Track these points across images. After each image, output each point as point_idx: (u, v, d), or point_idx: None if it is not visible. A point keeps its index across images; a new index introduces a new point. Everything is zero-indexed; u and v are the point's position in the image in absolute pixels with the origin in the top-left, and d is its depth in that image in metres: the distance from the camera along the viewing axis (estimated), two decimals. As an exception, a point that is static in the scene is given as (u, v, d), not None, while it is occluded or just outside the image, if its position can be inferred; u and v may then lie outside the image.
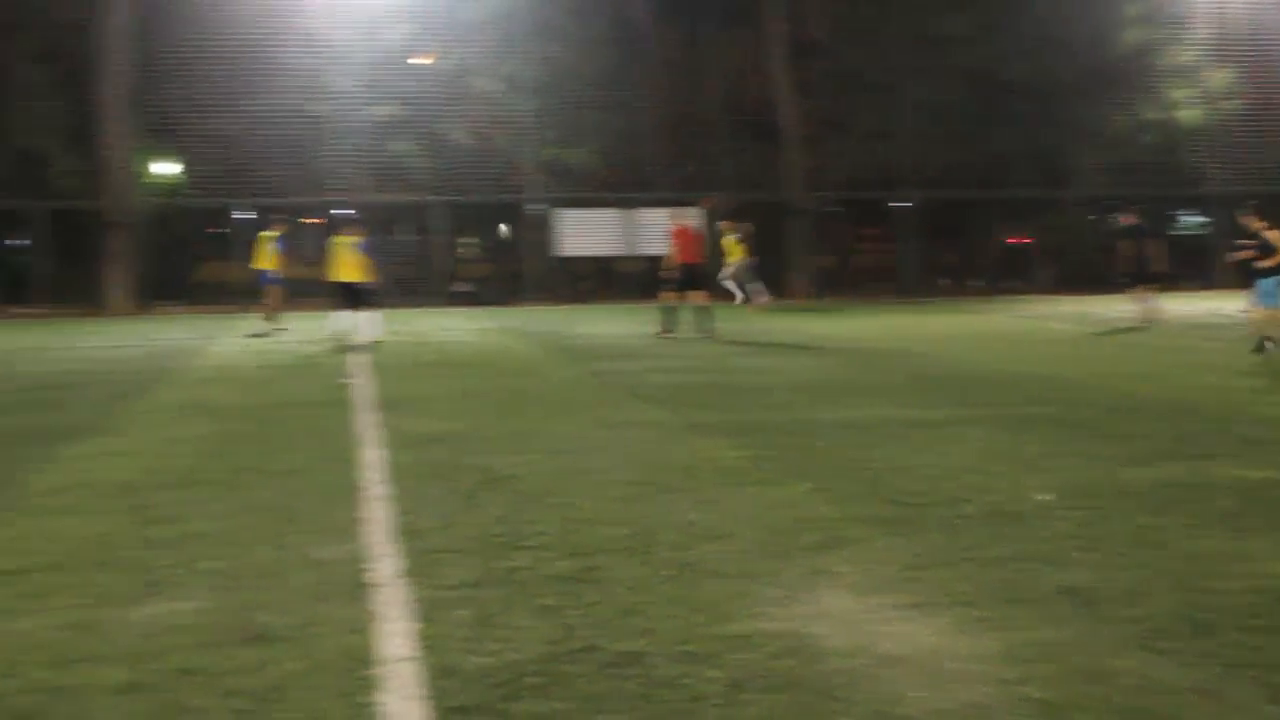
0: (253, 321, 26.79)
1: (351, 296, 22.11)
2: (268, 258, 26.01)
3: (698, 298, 23.02)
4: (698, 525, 7.54)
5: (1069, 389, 14.26)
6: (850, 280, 41.21)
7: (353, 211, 25.88)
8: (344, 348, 20.83)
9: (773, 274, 40.13)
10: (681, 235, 23.23)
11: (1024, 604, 5.89)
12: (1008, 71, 38.58)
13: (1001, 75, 38.59)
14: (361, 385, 15.70)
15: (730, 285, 30.44)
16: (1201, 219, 43.98)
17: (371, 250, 22.41)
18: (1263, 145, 39.99)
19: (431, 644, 5.41)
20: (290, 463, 10.03)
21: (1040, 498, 8.14)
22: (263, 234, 26.27)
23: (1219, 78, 39.99)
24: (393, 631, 5.60)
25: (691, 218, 23.74)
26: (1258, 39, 40.07)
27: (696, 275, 23.14)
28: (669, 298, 23.29)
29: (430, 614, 5.83)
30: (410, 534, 7.40)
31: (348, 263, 22.24)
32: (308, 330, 24.62)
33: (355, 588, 6.32)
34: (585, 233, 38.29)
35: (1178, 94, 39.84)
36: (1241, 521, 7.45)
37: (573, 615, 5.82)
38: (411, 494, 8.61)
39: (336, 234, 22.85)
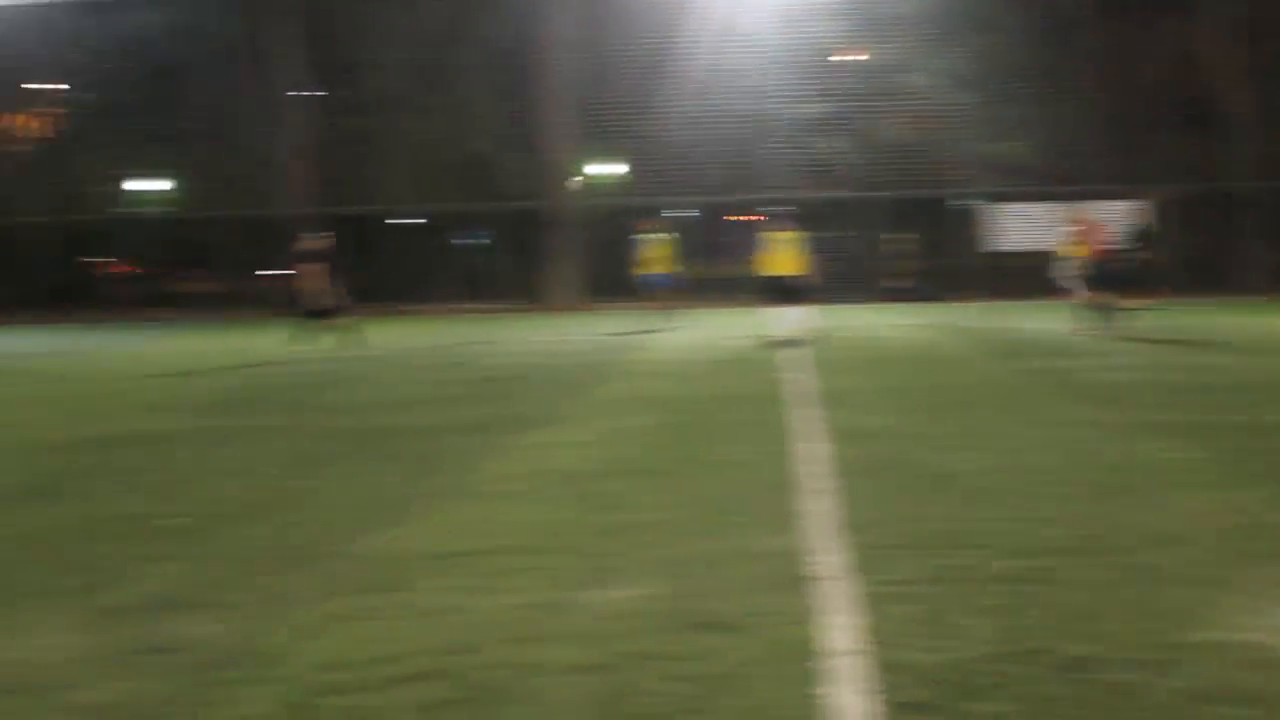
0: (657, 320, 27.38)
1: (786, 291, 22.13)
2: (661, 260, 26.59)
3: (1105, 296, 22.24)
4: (1148, 528, 7.26)
5: None
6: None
7: (788, 207, 25.97)
8: (780, 342, 21.00)
9: (1219, 267, 38.42)
10: (1087, 231, 22.49)
11: None
12: None
13: None
14: (798, 380, 15.82)
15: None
16: None
17: (811, 245, 22.46)
18: None
19: (880, 639, 5.38)
20: (729, 455, 10.19)
21: None
22: (654, 237, 26.72)
23: None
24: (837, 625, 5.61)
25: (1097, 212, 22.88)
26: None
27: (1104, 272, 22.38)
28: (1092, 296, 22.54)
29: (877, 608, 5.81)
30: (854, 528, 7.40)
31: (783, 257, 22.25)
32: (738, 325, 24.94)
33: (796, 580, 6.35)
34: (1018, 227, 37.51)
35: None
36: None
37: (1022, 616, 5.69)
38: (853, 488, 8.61)
39: (771, 230, 22.99)
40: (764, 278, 22.47)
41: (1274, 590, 6.02)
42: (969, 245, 38.16)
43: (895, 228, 42.70)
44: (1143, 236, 28.55)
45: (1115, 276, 22.72)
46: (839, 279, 39.32)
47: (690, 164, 37.34)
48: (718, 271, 42.97)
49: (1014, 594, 6.02)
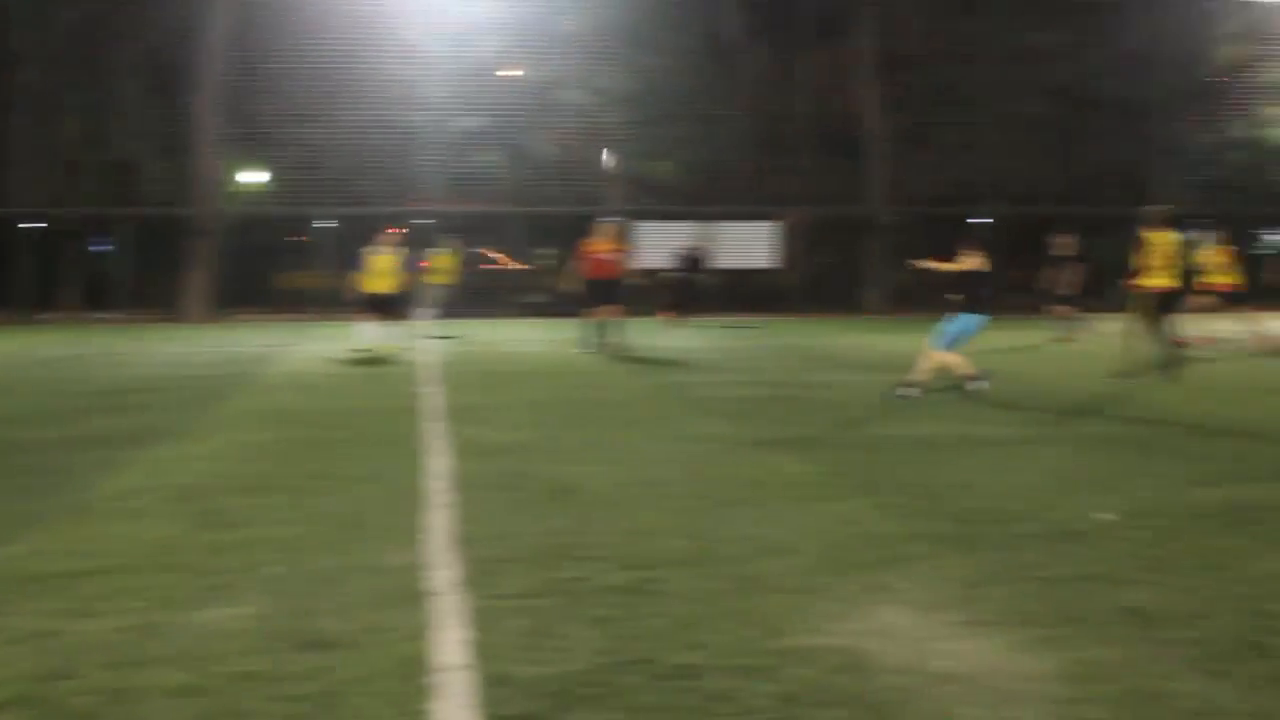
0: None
1: (384, 307, 22.19)
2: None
3: (609, 311, 22.80)
4: (758, 539, 7.52)
5: (1149, 409, 14.09)
6: (927, 297, 40.93)
7: (393, 225, 25.52)
8: (402, 357, 20.92)
9: (849, 288, 40.09)
10: (593, 251, 23.03)
11: (1083, 623, 5.84)
12: (1096, 88, 38.29)
13: (1089, 91, 38.32)
14: (430, 394, 15.78)
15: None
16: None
17: (408, 261, 22.36)
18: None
19: (485, 653, 5.43)
20: (356, 469, 10.10)
21: (1104, 517, 8.05)
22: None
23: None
24: (447, 640, 5.63)
25: (605, 234, 23.36)
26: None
27: (609, 289, 22.95)
28: (606, 311, 22.95)
29: (485, 623, 5.85)
30: (470, 542, 7.43)
31: (382, 273, 22.24)
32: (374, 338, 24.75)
33: (415, 595, 6.35)
34: (665, 246, 38.29)
35: (1269, 111, 39.36)
36: (1312, 545, 7.35)
37: (629, 627, 5.82)
38: (473, 503, 8.64)
39: (373, 249, 22.66)
40: (365, 295, 22.15)
41: (865, 596, 6.33)
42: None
43: (547, 244, 43.08)
44: (694, 260, 30.44)
45: (615, 293, 22.96)
46: (486, 293, 39.45)
47: (342, 174, 36.89)
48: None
49: (623, 606, 6.16)
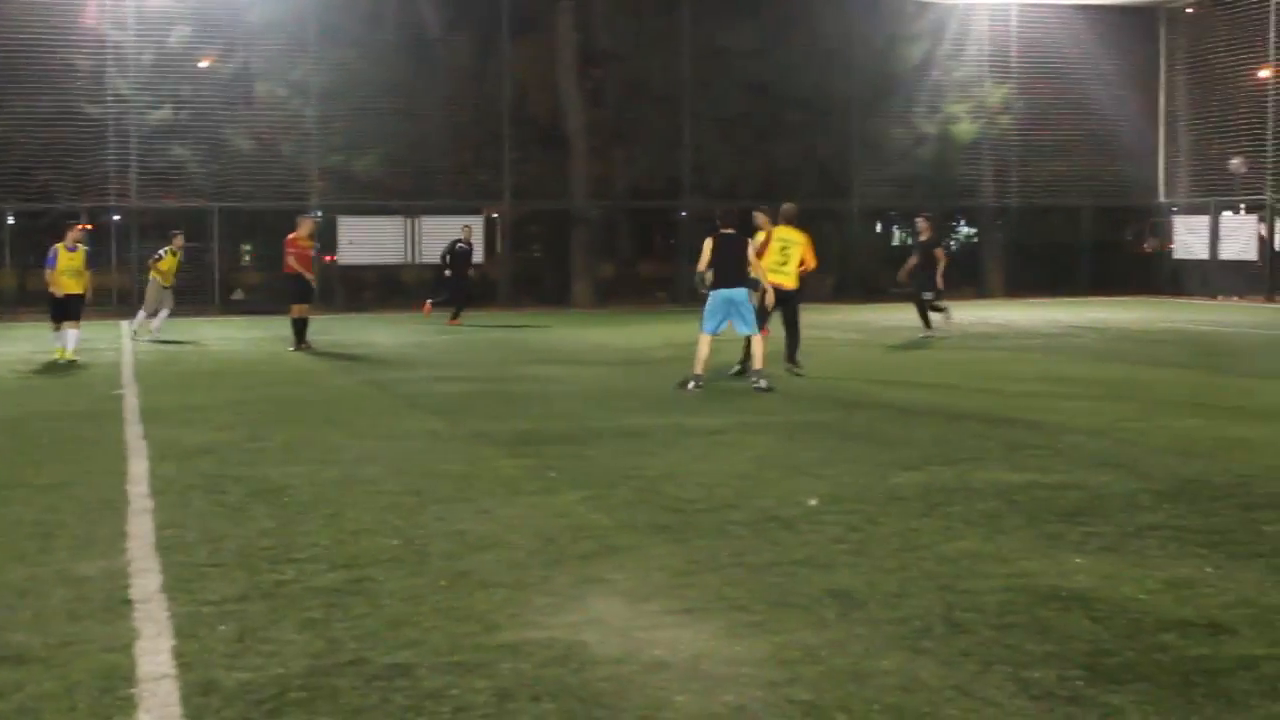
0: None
1: (66, 308, 20.44)
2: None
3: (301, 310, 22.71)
4: (470, 535, 7.49)
5: (844, 396, 14.53)
6: (634, 290, 41.42)
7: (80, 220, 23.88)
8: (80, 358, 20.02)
9: (558, 282, 40.32)
10: (293, 245, 22.85)
11: (792, 607, 5.98)
12: (790, 85, 39.25)
13: (784, 88, 39.25)
14: (127, 396, 15.27)
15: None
16: (971, 230, 45.38)
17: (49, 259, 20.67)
18: (1036, 159, 41.33)
19: (190, 661, 5.27)
20: (51, 475, 9.70)
21: (809, 503, 8.27)
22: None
23: (996, 93, 41.21)
24: (152, 649, 5.45)
25: (304, 229, 23.17)
26: (1032, 55, 41.33)
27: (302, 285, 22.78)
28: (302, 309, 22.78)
29: (190, 630, 5.68)
30: (172, 548, 7.21)
31: (70, 275, 20.50)
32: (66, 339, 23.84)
33: (116, 605, 6.13)
34: (367, 241, 37.82)
35: (955, 108, 40.96)
36: (1001, 523, 7.68)
37: (340, 628, 5.73)
38: (174, 506, 8.39)
39: (65, 246, 20.77)
40: (54, 295, 20.69)
41: (576, 588, 6.36)
42: (320, 258, 38.17)
43: (247, 239, 42.11)
44: (464, 254, 29.97)
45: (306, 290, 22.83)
46: (183, 292, 38.36)
47: (23, 168, 35.32)
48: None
49: (333, 607, 6.05)
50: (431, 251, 36.77)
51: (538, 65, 41.39)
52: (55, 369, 19.08)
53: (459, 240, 30.42)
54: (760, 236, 19.99)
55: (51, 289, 20.49)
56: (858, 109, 40.28)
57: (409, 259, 38.18)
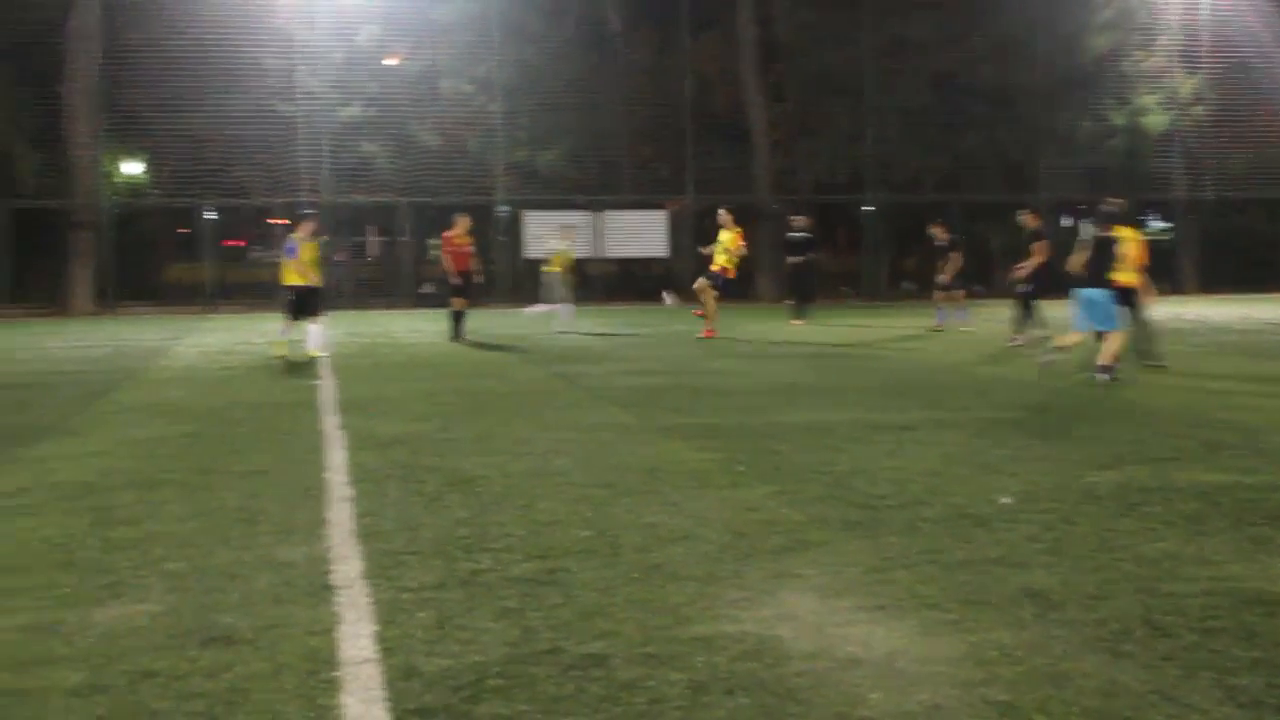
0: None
1: (306, 300, 20.27)
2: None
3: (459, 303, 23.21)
4: (661, 528, 7.53)
5: (1035, 393, 14.31)
6: (818, 284, 41.22)
7: (311, 210, 24.29)
8: (305, 349, 20.41)
9: (740, 276, 40.30)
10: (450, 243, 23.28)
11: (986, 606, 5.91)
12: (974, 76, 38.76)
13: (968, 79, 38.78)
14: (324, 386, 15.64)
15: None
16: (1165, 224, 44.27)
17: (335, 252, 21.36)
18: (1229, 151, 40.26)
19: (391, 646, 5.39)
20: (253, 463, 9.99)
21: (1002, 500, 8.16)
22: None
23: (1187, 83, 40.23)
24: (354, 634, 5.58)
25: (461, 226, 23.50)
26: (1225, 45, 40.30)
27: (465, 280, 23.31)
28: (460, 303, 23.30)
29: (390, 616, 5.81)
30: (372, 535, 7.37)
31: (306, 266, 20.30)
32: (267, 331, 24.48)
33: (318, 590, 6.29)
34: (553, 235, 38.21)
35: (1145, 99, 40.06)
36: (1203, 525, 7.50)
37: (535, 617, 5.80)
38: (373, 495, 8.58)
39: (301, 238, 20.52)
40: (290, 287, 20.22)
41: (768, 582, 6.36)
42: (508, 252, 38.66)
43: (434, 233, 42.84)
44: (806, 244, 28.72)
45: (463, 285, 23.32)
46: (375, 285, 39.19)
47: (222, 165, 36.40)
48: (249, 275, 42.09)
49: (527, 596, 6.13)
50: (616, 245, 37.04)
51: (719, 59, 41.45)
52: (256, 361, 19.58)
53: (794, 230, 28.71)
54: (725, 235, 20.87)
55: (294, 280, 20.18)
56: (1043, 100, 39.60)
57: (594, 252, 38.44)
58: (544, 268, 28.32)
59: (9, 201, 36.22)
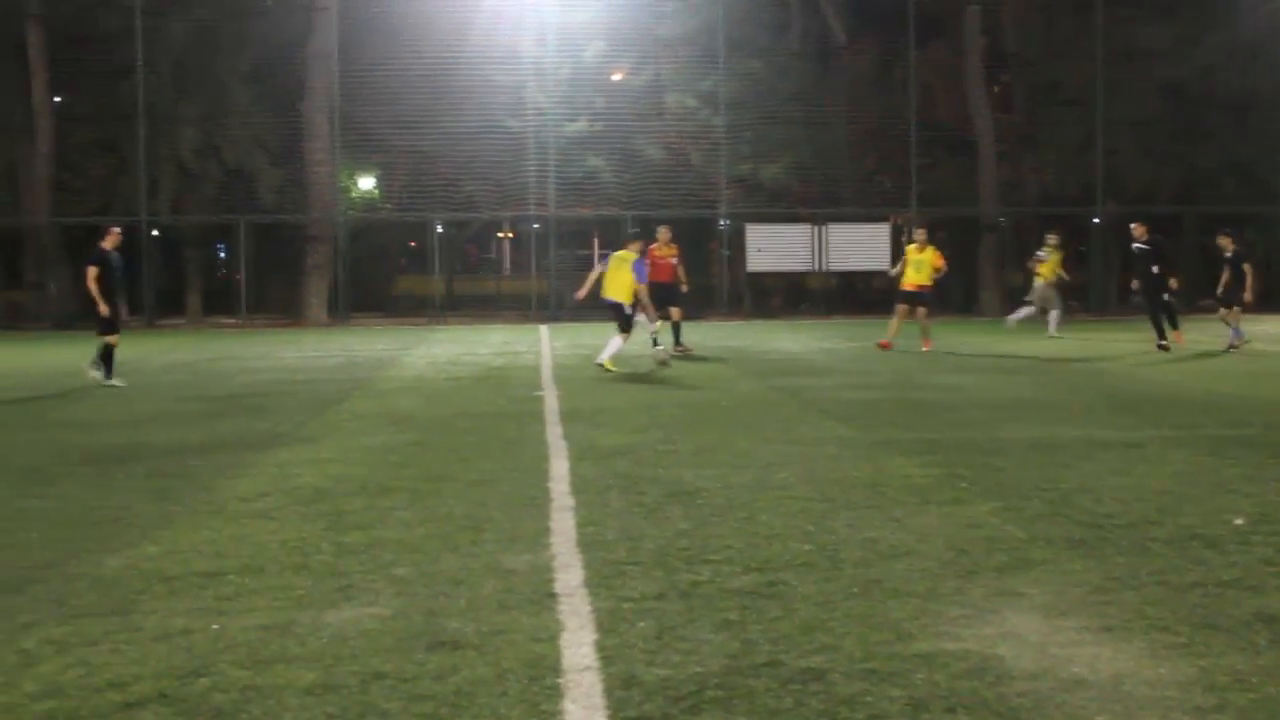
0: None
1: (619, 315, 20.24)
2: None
3: (677, 313, 23.01)
4: (882, 543, 7.49)
5: (1270, 411, 13.84)
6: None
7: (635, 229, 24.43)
8: (536, 359, 20.77)
9: (966, 290, 39.76)
10: (652, 256, 22.80)
11: (1218, 630, 5.74)
12: (1209, 85, 37.66)
13: (1203, 89, 37.69)
14: (550, 397, 15.88)
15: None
16: None
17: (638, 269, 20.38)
18: None
19: (612, 655, 5.45)
20: (477, 472, 10.19)
21: (1236, 521, 7.92)
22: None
23: None
24: (576, 641, 5.66)
25: (663, 239, 23.20)
26: None
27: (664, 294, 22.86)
28: (675, 314, 23.07)
29: (611, 625, 5.88)
30: (594, 545, 7.47)
31: (619, 282, 20.22)
32: (493, 342, 24.96)
33: (541, 597, 6.39)
34: (776, 248, 38.18)
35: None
36: None
37: (755, 630, 5.82)
38: (594, 505, 8.69)
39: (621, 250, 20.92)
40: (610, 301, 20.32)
41: (990, 600, 6.27)
42: (731, 265, 38.77)
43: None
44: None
45: (675, 295, 22.99)
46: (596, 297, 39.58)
47: (452, 180, 37.21)
48: (479, 288, 42.92)
49: (747, 608, 6.15)
50: (838, 259, 36.85)
51: (944, 70, 40.97)
52: (481, 371, 19.96)
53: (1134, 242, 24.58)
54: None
55: (620, 297, 20.23)
56: (1280, 107, 38.24)
57: (816, 266, 38.30)
58: (1035, 276, 28.12)
59: (251, 217, 37.58)
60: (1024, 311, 27.71)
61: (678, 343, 23.08)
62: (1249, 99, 38.01)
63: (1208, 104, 38.10)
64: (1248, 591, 6.36)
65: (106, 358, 18.28)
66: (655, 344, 20.86)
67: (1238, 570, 6.77)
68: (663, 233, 23.66)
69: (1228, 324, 23.48)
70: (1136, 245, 22.63)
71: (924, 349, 23.12)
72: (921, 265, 23.83)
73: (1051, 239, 27.77)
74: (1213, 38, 37.95)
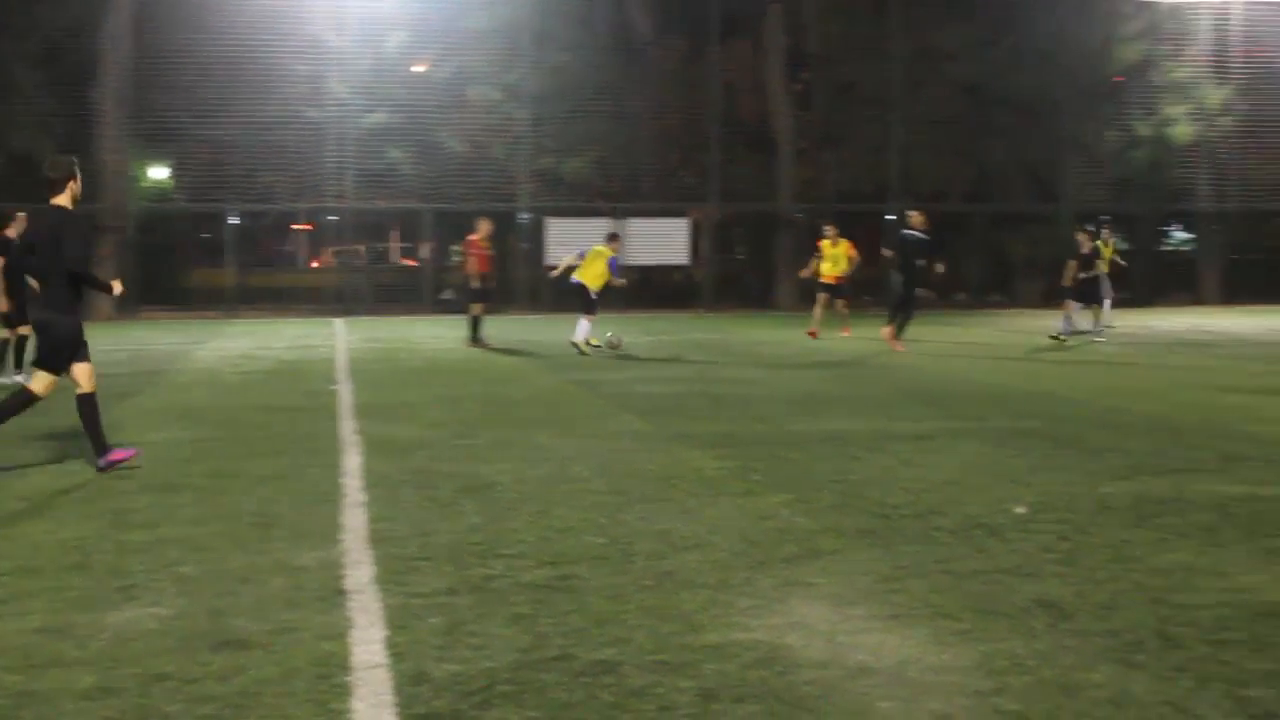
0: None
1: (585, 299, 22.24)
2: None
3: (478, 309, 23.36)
4: (674, 535, 7.54)
5: (1054, 404, 14.27)
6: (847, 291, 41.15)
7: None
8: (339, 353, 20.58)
9: (761, 285, 40.28)
10: (473, 246, 23.37)
11: (999, 616, 5.89)
12: (1003, 86, 38.66)
13: (995, 90, 38.68)
14: (343, 392, 15.68)
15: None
16: (1187, 235, 44.15)
17: (613, 265, 22.46)
18: (1258, 163, 40.03)
19: (402, 651, 5.40)
20: (269, 468, 10.01)
21: (1017, 510, 8.14)
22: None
23: (1216, 94, 40.02)
24: (366, 639, 5.59)
25: (483, 231, 23.60)
26: (1255, 55, 40.11)
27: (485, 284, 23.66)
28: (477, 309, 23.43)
29: (402, 621, 5.82)
30: (385, 540, 7.39)
31: (594, 270, 22.28)
32: (289, 336, 24.58)
33: (331, 594, 6.30)
34: (577, 242, 38.19)
35: (1172, 110, 39.87)
36: (1217, 536, 7.47)
37: (547, 624, 5.81)
38: (387, 500, 8.60)
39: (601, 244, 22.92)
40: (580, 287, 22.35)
41: (780, 590, 6.35)
42: (531, 259, 38.66)
43: (458, 240, 42.88)
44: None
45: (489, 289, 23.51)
46: (396, 291, 39.26)
47: (248, 171, 36.49)
48: (274, 281, 42.20)
49: (539, 603, 6.14)
50: (638, 253, 37.05)
51: (746, 68, 41.41)
52: (274, 365, 19.64)
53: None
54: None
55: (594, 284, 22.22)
56: (1070, 111, 39.46)
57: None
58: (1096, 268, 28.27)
59: (37, 206, 36.32)
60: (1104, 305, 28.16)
61: (476, 337, 23.08)
62: (1038, 102, 39.10)
63: (999, 105, 39.10)
64: (1027, 578, 6.54)
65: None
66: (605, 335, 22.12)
67: (1018, 558, 6.96)
68: (485, 226, 23.64)
69: (1068, 317, 24.17)
70: (912, 233, 22.95)
71: (843, 334, 24.92)
72: (838, 259, 25.36)
73: (1103, 232, 28.35)
74: (1005, 41, 38.96)
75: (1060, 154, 39.85)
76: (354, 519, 8.01)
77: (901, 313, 22.40)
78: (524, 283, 38.78)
